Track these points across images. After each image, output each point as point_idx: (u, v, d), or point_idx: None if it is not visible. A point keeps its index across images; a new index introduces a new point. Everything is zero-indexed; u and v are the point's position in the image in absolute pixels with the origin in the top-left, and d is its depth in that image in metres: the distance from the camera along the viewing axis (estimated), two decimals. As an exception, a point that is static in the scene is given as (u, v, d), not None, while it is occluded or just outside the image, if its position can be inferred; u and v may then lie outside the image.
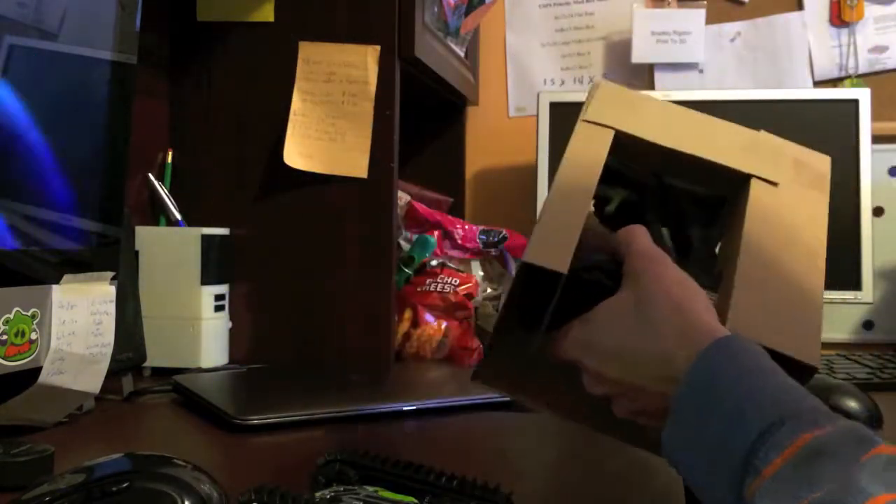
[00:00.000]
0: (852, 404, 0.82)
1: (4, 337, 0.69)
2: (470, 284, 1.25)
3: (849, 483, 0.39)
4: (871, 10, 1.55)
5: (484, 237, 1.33)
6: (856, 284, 1.35)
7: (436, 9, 1.26)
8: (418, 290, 1.24)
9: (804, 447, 0.43)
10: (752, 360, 0.50)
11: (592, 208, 0.59)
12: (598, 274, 0.59)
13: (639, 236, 0.59)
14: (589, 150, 0.62)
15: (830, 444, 0.42)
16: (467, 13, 1.37)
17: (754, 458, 0.44)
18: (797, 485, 0.41)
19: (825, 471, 0.41)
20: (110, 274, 0.80)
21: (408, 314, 1.22)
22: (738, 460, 0.45)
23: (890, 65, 1.55)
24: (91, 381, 0.78)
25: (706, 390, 0.49)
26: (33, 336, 0.71)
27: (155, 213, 1.17)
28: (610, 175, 0.64)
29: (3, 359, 0.69)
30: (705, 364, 0.50)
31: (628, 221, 0.61)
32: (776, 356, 0.52)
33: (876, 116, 1.36)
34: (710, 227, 0.68)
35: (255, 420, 0.81)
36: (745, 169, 0.63)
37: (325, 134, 1.14)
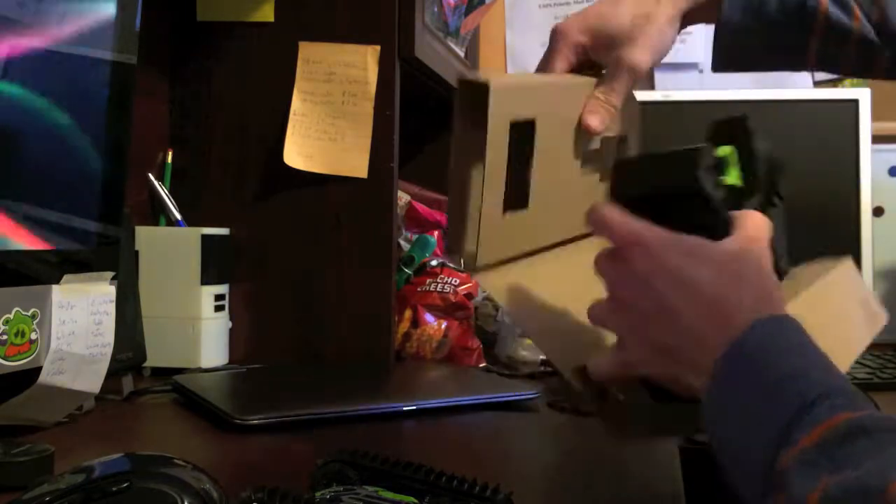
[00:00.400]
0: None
1: (4, 337, 0.69)
2: (470, 284, 1.25)
3: (882, 464, 0.41)
4: (871, 10, 1.55)
5: (484, 237, 1.33)
6: (856, 284, 1.35)
7: (436, 9, 1.26)
8: (418, 290, 1.24)
9: (842, 424, 0.44)
10: (801, 339, 0.52)
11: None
12: (712, 218, 0.60)
13: (763, 223, 0.60)
14: None
15: (868, 425, 0.44)
16: (467, 13, 1.37)
17: (794, 429, 0.45)
18: (832, 458, 0.43)
19: (861, 449, 0.43)
20: (110, 274, 0.80)
21: (408, 314, 1.22)
22: (775, 430, 0.46)
23: (890, 65, 1.55)
24: (91, 381, 0.78)
25: (754, 356, 0.50)
26: (33, 336, 0.71)
27: (155, 213, 1.17)
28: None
29: (3, 359, 0.69)
30: (758, 333, 0.51)
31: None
32: None
33: (876, 116, 1.36)
34: None
35: (255, 420, 0.81)
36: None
37: (324, 134, 1.14)
